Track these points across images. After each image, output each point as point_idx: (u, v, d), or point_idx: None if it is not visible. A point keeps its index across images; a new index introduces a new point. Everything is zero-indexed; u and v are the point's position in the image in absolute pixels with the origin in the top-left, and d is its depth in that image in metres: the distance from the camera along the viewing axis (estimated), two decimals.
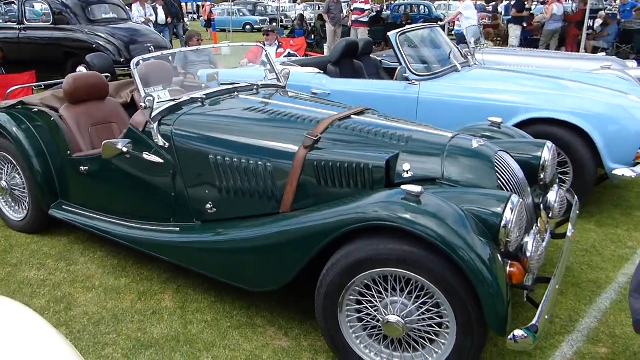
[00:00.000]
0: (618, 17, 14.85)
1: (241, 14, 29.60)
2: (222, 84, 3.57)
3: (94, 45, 8.58)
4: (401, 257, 2.05)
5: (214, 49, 6.61)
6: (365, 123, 2.74)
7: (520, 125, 3.94)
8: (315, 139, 2.55)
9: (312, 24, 18.54)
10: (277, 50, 8.71)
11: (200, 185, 2.93)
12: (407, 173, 2.41)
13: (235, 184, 2.79)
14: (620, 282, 3.07)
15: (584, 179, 3.80)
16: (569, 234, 2.65)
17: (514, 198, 2.10)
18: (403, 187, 2.05)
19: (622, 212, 4.08)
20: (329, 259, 2.25)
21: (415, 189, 2.02)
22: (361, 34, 13.63)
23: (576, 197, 3.10)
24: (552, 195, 2.72)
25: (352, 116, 2.84)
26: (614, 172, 3.70)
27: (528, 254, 2.17)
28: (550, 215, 2.73)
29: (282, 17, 22.90)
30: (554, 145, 2.88)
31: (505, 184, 2.44)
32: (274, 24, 21.67)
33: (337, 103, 3.29)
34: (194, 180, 2.94)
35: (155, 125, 2.91)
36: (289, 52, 8.66)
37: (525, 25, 13.93)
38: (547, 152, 2.80)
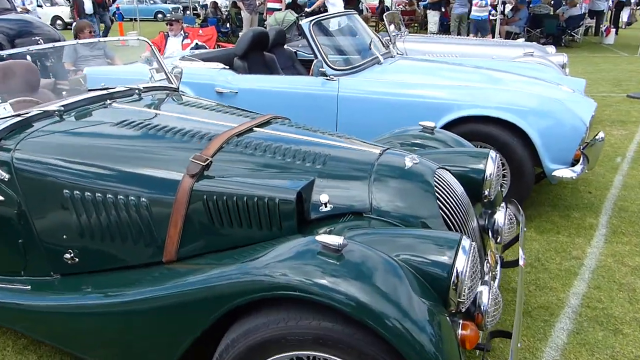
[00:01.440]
0: (528, 1, 15.13)
1: (152, 1, 27.79)
2: (90, 90, 2.80)
3: None
4: (319, 336, 1.47)
5: (121, 42, 5.68)
6: (272, 138, 2.12)
7: (452, 124, 3.50)
8: (204, 163, 1.89)
9: (227, 12, 17.56)
10: (183, 41, 7.86)
11: (56, 228, 2.20)
12: (326, 206, 1.83)
13: (102, 226, 2.09)
14: (572, 305, 2.69)
15: (523, 181, 3.42)
16: (520, 262, 2.19)
17: (465, 241, 1.57)
18: (318, 238, 1.46)
19: (560, 215, 3.76)
20: (222, 335, 1.63)
21: (335, 240, 1.43)
22: None
23: (521, 210, 2.67)
24: (500, 217, 2.24)
25: (256, 129, 2.21)
26: (553, 173, 3.35)
27: (483, 308, 1.67)
28: (498, 241, 2.26)
29: (197, 4, 21.58)
30: (498, 154, 2.42)
31: (448, 210, 1.93)
32: (187, 12, 20.40)
33: (241, 110, 2.63)
34: (47, 222, 2.20)
35: None
36: (197, 44, 7.83)
37: (443, 10, 13.85)
38: (491, 165, 2.33)
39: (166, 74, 2.98)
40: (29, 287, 2.26)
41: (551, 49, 6.62)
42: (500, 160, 3.41)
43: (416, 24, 17.34)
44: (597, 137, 3.63)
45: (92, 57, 5.82)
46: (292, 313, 1.50)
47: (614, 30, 14.88)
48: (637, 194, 4.11)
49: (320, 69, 3.79)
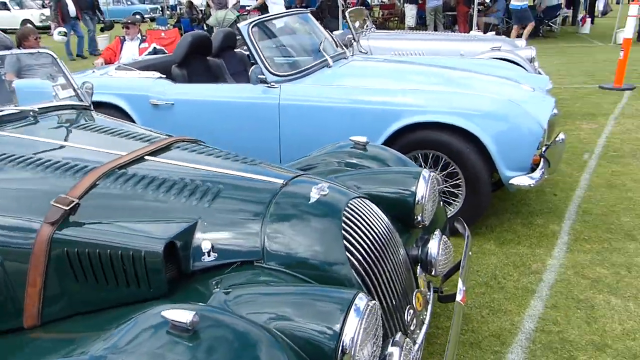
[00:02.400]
0: None
1: (129, 2, 27.21)
2: None
3: None
4: None
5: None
6: (162, 169, 1.83)
7: (403, 131, 3.25)
8: (67, 207, 1.60)
9: (203, 11, 17.16)
10: (140, 45, 7.52)
11: None
12: (209, 254, 1.56)
13: None
14: (526, 330, 2.45)
15: (479, 192, 3.17)
16: (458, 297, 1.94)
17: (361, 301, 1.30)
18: (166, 313, 1.18)
19: (523, 222, 3.53)
20: None
21: (184, 317, 1.16)
22: None
23: (467, 230, 2.42)
24: (433, 246, 1.99)
25: (148, 157, 1.92)
26: (510, 181, 3.11)
27: None
28: (433, 273, 2.01)
29: (164, 5, 21.08)
30: (432, 173, 2.16)
31: (363, 249, 1.66)
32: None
33: (147, 132, 2.32)
34: None
35: None
36: (155, 48, 7.48)
37: (420, 3, 13.62)
38: (422, 186, 2.07)
39: (74, 90, 2.68)
40: None
41: (521, 42, 6.40)
42: (454, 169, 3.21)
43: (396, 18, 17.08)
44: (557, 139, 3.40)
45: (38, 66, 5.49)
46: None
47: (590, 19, 14.74)
48: (602, 194, 3.90)
49: (259, 76, 3.51)
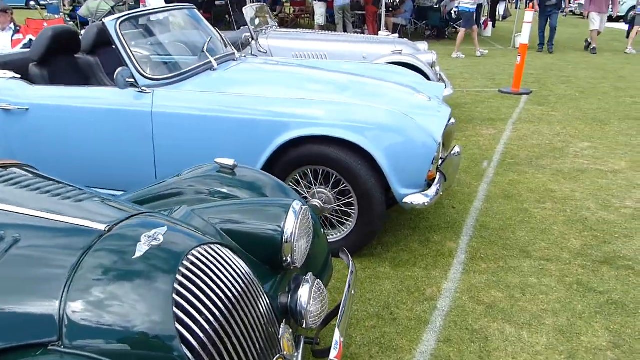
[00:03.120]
0: None
1: None
2: None
3: None
4: None
5: None
6: None
7: (289, 145, 2.93)
8: None
9: None
10: (13, 36, 6.65)
11: None
12: None
13: None
14: None
15: (372, 211, 2.93)
16: (333, 353, 1.64)
17: None
18: None
19: (420, 239, 3.35)
20: None
21: None
22: None
23: (352, 263, 2.14)
24: (304, 294, 1.68)
25: None
26: (404, 200, 2.89)
27: None
28: (304, 326, 1.70)
29: None
30: (304, 206, 1.84)
31: (206, 313, 1.31)
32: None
33: None
34: None
35: None
36: (31, 40, 6.65)
37: (329, 1, 13.44)
38: (291, 221, 1.75)
39: None
40: None
41: (423, 45, 6.33)
42: (345, 187, 2.94)
43: (307, 16, 16.85)
44: (452, 152, 3.25)
45: None
46: None
47: (491, 23, 15.38)
48: (499, 205, 3.83)
49: (127, 79, 3.03)
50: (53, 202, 1.52)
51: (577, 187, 4.16)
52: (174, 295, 1.27)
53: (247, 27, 5.80)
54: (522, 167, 4.62)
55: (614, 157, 4.84)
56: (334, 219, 3.07)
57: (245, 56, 5.53)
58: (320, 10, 12.85)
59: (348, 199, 2.98)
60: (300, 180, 3.05)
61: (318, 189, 3.03)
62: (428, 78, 5.38)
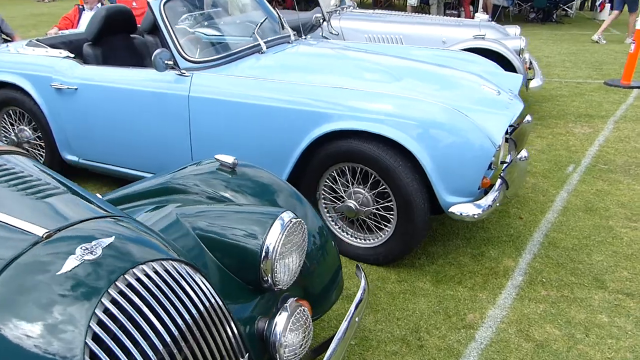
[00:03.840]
0: None
1: None
2: None
3: None
4: None
5: None
6: None
7: (326, 139, 2.66)
8: None
9: None
10: None
11: None
12: None
13: None
14: None
15: (412, 219, 2.58)
16: None
17: None
18: None
19: (473, 252, 2.94)
20: None
21: None
22: None
23: (363, 289, 1.83)
24: (281, 321, 1.43)
25: None
26: (451, 209, 2.51)
27: None
28: None
29: None
30: (293, 217, 1.56)
31: (128, 350, 1.09)
32: None
33: None
34: None
35: None
36: None
37: None
38: (274, 235, 1.49)
39: None
40: None
41: (514, 29, 5.67)
42: (384, 189, 2.62)
43: None
44: (519, 157, 2.79)
45: None
46: None
47: (609, 4, 13.71)
48: (577, 220, 3.27)
49: (166, 62, 2.91)
50: (12, 197, 1.39)
51: None
52: (92, 324, 1.07)
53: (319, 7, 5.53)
54: (616, 174, 3.96)
55: None
56: (372, 222, 2.77)
57: (307, 38, 5.31)
58: None
59: (388, 202, 2.66)
60: (339, 178, 2.77)
61: (355, 189, 2.73)
62: (512, 66, 4.81)
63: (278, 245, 1.48)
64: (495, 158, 2.52)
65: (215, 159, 1.87)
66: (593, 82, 6.86)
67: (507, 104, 2.96)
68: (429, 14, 12.45)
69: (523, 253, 2.92)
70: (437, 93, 2.83)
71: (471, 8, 12.31)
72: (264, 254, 1.48)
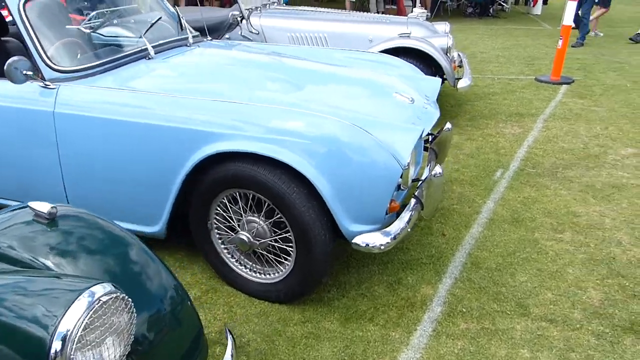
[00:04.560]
0: None
1: None
2: None
3: None
4: None
5: None
6: None
7: (212, 162, 2.28)
8: None
9: None
10: None
11: None
12: None
13: None
14: None
15: (311, 253, 2.24)
16: None
17: None
18: None
19: (389, 279, 2.65)
20: None
21: None
22: None
23: (231, 347, 1.48)
24: None
25: None
26: (355, 239, 2.19)
27: None
28: None
29: None
30: (109, 292, 1.18)
31: None
32: None
33: None
34: None
35: None
36: None
37: None
38: (73, 317, 1.10)
39: None
40: None
41: (443, 26, 5.45)
42: (280, 218, 2.27)
43: None
44: (434, 173, 2.50)
45: None
46: None
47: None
48: (503, 234, 3.05)
49: (25, 72, 2.44)
50: None
51: (609, 210, 3.31)
52: None
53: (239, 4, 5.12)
54: (544, 179, 3.78)
55: None
56: (271, 255, 2.42)
57: (224, 38, 4.89)
58: None
59: (285, 232, 2.31)
60: (231, 205, 2.40)
61: (249, 218, 2.37)
62: (438, 65, 4.59)
63: (78, 331, 1.10)
64: (404, 178, 2.22)
65: (29, 206, 1.46)
66: (525, 78, 6.78)
67: (421, 113, 2.67)
68: (368, 9, 12.23)
69: (443, 278, 2.65)
70: (342, 104, 2.50)
71: (409, 3, 12.17)
72: (55, 344, 1.09)
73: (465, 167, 4.00)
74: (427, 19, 5.99)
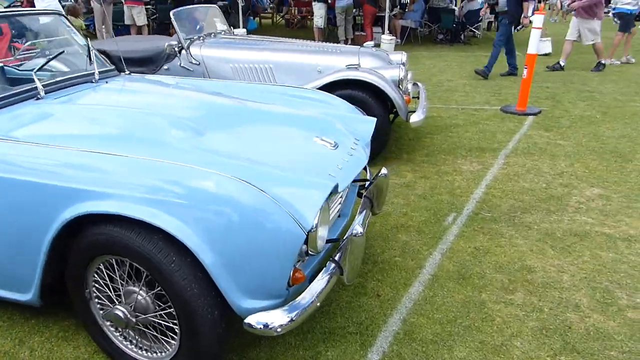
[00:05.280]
0: None
1: None
2: None
3: None
4: None
5: None
6: None
7: (83, 224, 1.90)
8: None
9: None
10: None
11: None
12: None
13: None
14: None
15: (198, 334, 1.86)
16: None
17: None
18: None
19: (304, 357, 2.26)
20: None
21: None
22: (137, 15, 11.06)
23: None
24: None
25: None
26: (247, 319, 1.80)
27: None
28: None
29: None
30: None
31: None
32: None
33: None
34: None
35: None
36: None
37: (330, 2, 12.35)
38: None
39: None
40: None
41: (400, 56, 5.16)
42: (161, 290, 1.88)
43: (311, 17, 15.79)
44: (354, 232, 2.14)
45: None
46: None
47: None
48: (446, 294, 2.69)
49: None
50: None
51: (568, 264, 2.98)
52: None
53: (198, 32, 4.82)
54: (500, 225, 3.45)
55: (631, 213, 3.61)
56: (154, 332, 2.02)
57: (162, 69, 4.60)
58: (319, 11, 11.76)
59: (169, 307, 1.92)
60: (108, 272, 2.01)
61: (127, 289, 1.98)
62: (388, 98, 4.29)
63: None
64: (311, 242, 1.86)
65: None
66: (490, 108, 6.53)
67: (343, 161, 2.32)
68: (337, 35, 12.07)
69: (369, 353, 2.27)
70: (248, 153, 2.15)
71: (379, 30, 12.04)
72: None
73: (415, 210, 3.66)
74: (397, 46, 5.72)
